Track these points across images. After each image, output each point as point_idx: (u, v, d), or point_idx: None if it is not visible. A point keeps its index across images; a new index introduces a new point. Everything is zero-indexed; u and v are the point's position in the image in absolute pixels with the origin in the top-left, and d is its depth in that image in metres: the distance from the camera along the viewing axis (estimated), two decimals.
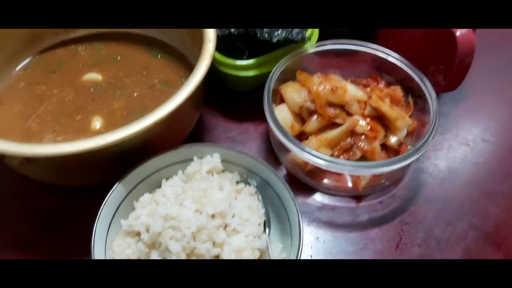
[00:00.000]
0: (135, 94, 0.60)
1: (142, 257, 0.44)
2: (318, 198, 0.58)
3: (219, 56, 0.59)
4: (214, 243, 0.43)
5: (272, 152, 0.61)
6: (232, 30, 0.59)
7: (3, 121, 0.57)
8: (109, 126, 0.57)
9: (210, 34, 0.54)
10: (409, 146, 0.58)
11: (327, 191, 0.58)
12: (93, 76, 0.62)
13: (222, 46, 0.59)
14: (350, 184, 0.57)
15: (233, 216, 0.45)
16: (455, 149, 0.63)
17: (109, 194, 0.47)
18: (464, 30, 0.57)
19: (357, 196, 0.58)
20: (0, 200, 0.57)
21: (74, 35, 0.66)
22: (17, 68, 0.62)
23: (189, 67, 0.62)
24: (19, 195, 0.58)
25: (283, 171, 0.60)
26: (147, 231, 0.44)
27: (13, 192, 0.58)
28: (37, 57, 0.64)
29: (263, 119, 0.55)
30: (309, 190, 0.58)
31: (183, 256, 0.42)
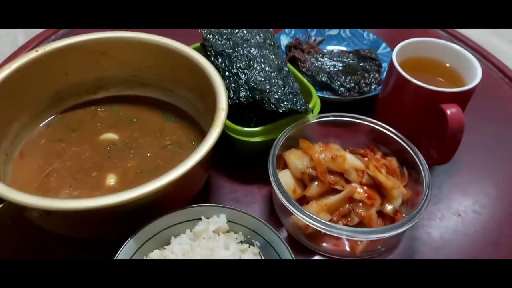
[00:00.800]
0: (148, 154, 0.64)
1: None
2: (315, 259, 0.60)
3: (228, 123, 0.64)
4: None
5: (274, 214, 0.64)
6: (242, 99, 0.64)
7: (23, 174, 0.61)
8: (123, 183, 0.60)
9: (223, 103, 0.59)
10: (404, 214, 0.61)
11: (326, 254, 0.60)
12: (110, 136, 0.66)
13: (232, 113, 0.64)
14: (348, 248, 0.60)
15: None
16: (447, 219, 0.66)
17: (120, 249, 0.50)
18: (454, 109, 0.62)
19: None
20: (13, 250, 0.59)
21: (95, 97, 0.71)
22: (40, 125, 0.67)
23: (200, 131, 0.67)
24: (32, 245, 0.60)
25: (284, 233, 0.63)
26: None
27: (27, 243, 0.60)
28: (59, 116, 0.68)
29: (267, 182, 0.59)
30: (308, 252, 0.61)
31: None
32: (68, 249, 0.59)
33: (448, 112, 0.62)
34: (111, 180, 0.61)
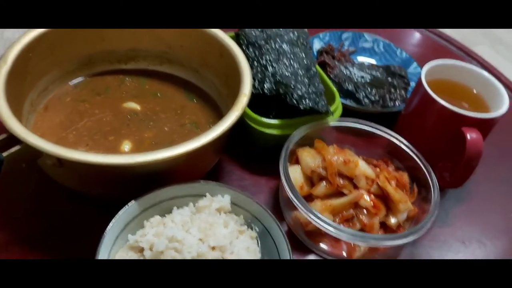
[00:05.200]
0: (166, 129, 0.66)
1: None
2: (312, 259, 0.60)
3: (248, 110, 0.65)
4: None
5: (278, 207, 0.65)
6: (266, 91, 0.65)
7: (44, 126, 0.63)
8: (137, 151, 0.62)
9: (246, 89, 0.60)
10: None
11: (322, 254, 0.60)
12: (133, 105, 0.68)
13: (253, 104, 0.64)
14: (344, 253, 0.60)
15: (231, 253, 0.48)
16: (450, 244, 0.66)
17: (123, 209, 0.51)
18: (474, 134, 0.61)
19: None
20: (18, 196, 0.61)
21: (125, 67, 0.73)
22: (69, 84, 0.69)
23: (220, 116, 0.68)
24: (38, 194, 0.62)
25: (284, 227, 0.63)
26: (151, 249, 0.47)
27: (33, 191, 0.62)
28: (88, 79, 0.70)
29: (275, 176, 0.59)
30: (305, 250, 0.61)
31: None
32: (72, 203, 0.60)
33: (468, 136, 0.61)
34: (126, 146, 0.62)
